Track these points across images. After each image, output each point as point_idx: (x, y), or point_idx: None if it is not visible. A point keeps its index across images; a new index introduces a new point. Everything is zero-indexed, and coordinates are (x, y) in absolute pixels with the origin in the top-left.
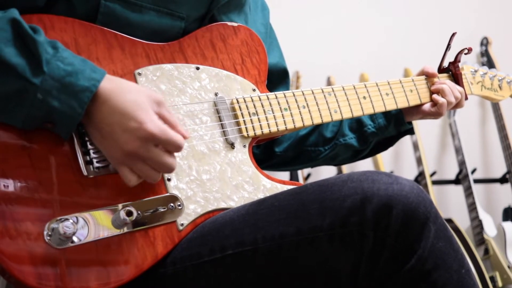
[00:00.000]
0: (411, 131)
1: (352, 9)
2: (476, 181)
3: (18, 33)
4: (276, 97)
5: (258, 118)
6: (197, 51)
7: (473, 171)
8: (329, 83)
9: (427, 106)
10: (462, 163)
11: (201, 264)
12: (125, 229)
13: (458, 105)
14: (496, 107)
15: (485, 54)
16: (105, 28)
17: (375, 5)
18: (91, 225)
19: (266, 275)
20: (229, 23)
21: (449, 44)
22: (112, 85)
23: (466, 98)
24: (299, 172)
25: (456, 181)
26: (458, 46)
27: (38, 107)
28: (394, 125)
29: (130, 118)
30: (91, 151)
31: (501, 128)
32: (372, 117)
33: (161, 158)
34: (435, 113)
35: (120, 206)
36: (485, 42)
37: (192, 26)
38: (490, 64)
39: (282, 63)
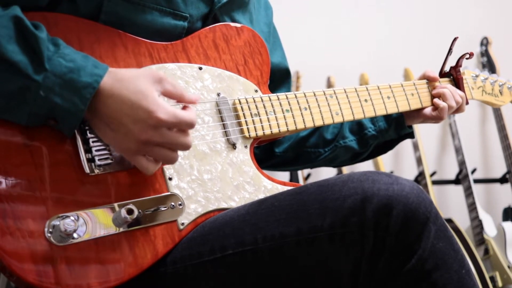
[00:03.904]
0: (411, 135)
1: (352, 9)
2: (476, 181)
3: (20, 30)
4: (278, 98)
5: (260, 119)
6: (200, 51)
7: (473, 171)
8: (329, 83)
9: (428, 110)
10: (462, 163)
11: (201, 263)
12: (126, 228)
13: (459, 109)
14: None
15: (485, 54)
16: (109, 27)
17: (375, 5)
18: (92, 223)
19: (266, 275)
20: (232, 24)
21: (450, 49)
22: (114, 78)
23: (467, 103)
24: (299, 172)
25: (456, 181)
26: (458, 46)
27: (40, 104)
28: (395, 129)
29: (138, 108)
30: (93, 149)
31: (501, 128)
32: (373, 120)
33: (176, 139)
34: (436, 117)
35: (121, 204)
36: (485, 42)
37: (195, 26)
38: (490, 64)
39: (285, 63)
